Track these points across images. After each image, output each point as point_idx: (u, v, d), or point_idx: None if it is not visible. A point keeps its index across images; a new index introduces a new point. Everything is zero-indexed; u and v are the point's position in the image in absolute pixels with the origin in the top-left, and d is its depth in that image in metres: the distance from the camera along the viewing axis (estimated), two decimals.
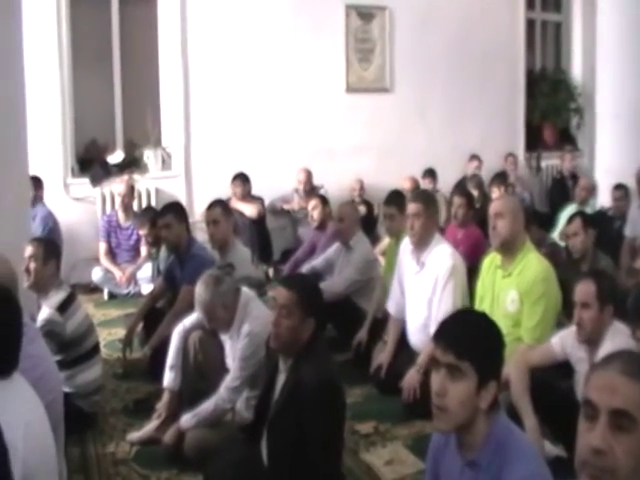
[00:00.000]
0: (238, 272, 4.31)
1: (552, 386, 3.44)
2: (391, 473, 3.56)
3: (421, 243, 4.34)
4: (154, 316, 5.03)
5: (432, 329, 4.04)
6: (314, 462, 2.72)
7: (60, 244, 5.52)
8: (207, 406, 3.60)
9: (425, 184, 8.25)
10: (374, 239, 6.81)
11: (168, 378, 3.94)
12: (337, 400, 2.84)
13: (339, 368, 3.19)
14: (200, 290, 3.71)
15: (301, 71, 8.33)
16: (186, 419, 3.62)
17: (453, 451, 2.12)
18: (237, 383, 3.61)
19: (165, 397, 3.94)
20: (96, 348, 4.23)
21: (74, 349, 3.99)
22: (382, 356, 4.49)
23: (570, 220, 5.17)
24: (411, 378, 4.10)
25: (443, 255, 4.27)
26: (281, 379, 2.91)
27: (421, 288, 4.33)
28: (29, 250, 4.02)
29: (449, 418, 2.01)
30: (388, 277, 4.99)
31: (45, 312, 3.92)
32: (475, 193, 7.25)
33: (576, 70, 10.46)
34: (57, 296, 4.00)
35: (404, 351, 4.44)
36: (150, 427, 3.90)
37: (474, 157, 8.96)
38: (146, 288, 6.51)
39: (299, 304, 2.86)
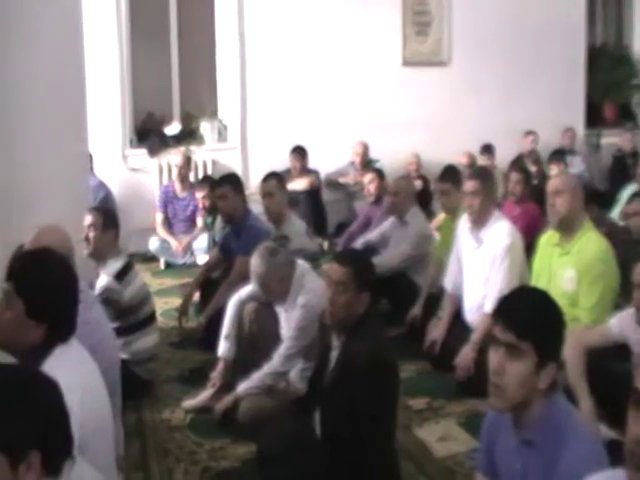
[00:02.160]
0: (293, 244, 4.33)
1: (609, 368, 3.36)
2: (444, 450, 3.54)
3: (479, 220, 4.28)
4: (209, 286, 5.09)
5: (487, 306, 3.99)
6: (365, 437, 2.71)
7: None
8: (261, 373, 3.64)
9: (482, 160, 8.11)
10: (429, 214, 6.73)
11: (223, 348, 3.98)
12: (389, 376, 2.82)
13: (392, 343, 3.18)
14: (255, 262, 3.72)
15: (357, 44, 8.23)
16: (240, 389, 3.66)
17: (508, 430, 2.09)
18: (291, 352, 3.63)
19: (219, 366, 3.99)
20: (152, 316, 4.30)
21: (131, 316, 4.06)
22: (436, 332, 4.45)
23: (630, 199, 5.04)
24: (465, 355, 4.06)
25: (502, 232, 4.20)
26: (334, 355, 2.91)
27: (479, 265, 4.27)
28: (88, 219, 4.11)
29: (506, 397, 1.97)
30: (443, 253, 4.93)
31: (103, 280, 3.99)
32: (533, 169, 7.11)
33: (638, 46, 10.10)
34: (115, 264, 4.07)
35: (459, 328, 4.39)
36: (204, 395, 3.95)
37: (530, 132, 8.76)
38: (202, 258, 6.58)
39: (353, 279, 2.84)
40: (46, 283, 2.29)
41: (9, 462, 1.64)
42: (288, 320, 3.74)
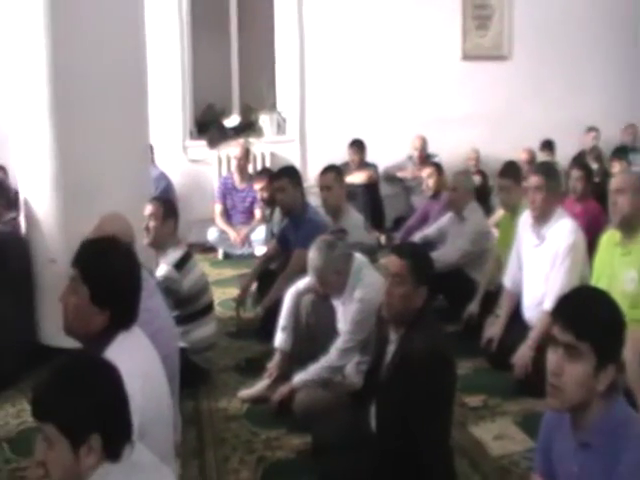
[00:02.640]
0: (350, 238, 4.33)
1: None
2: (499, 449, 3.50)
3: (542, 217, 4.20)
4: (267, 277, 5.13)
5: (546, 304, 3.93)
6: (421, 432, 2.70)
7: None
8: (318, 366, 3.65)
9: (542, 156, 7.96)
10: (488, 210, 6.65)
11: (280, 339, 4.01)
12: (446, 372, 2.81)
13: (449, 339, 3.15)
14: (313, 255, 3.73)
15: (417, 38, 8.19)
16: (297, 379, 3.68)
17: (567, 431, 2.05)
18: (347, 345, 3.63)
19: (276, 357, 4.02)
20: (211, 306, 4.36)
21: (190, 306, 4.12)
22: (494, 329, 4.39)
23: None
24: (523, 354, 4.00)
25: (565, 230, 4.12)
26: (391, 349, 2.91)
27: (540, 262, 4.19)
28: (149, 209, 4.17)
29: (564, 398, 1.94)
30: (502, 250, 4.86)
31: (163, 269, 4.06)
32: (594, 166, 6.95)
33: None
34: (174, 254, 4.13)
35: (517, 325, 4.32)
36: (261, 386, 3.99)
37: (592, 129, 8.57)
38: (259, 249, 6.64)
39: (411, 272, 2.84)
40: (110, 270, 2.34)
41: (71, 444, 1.70)
42: (345, 314, 3.74)
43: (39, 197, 4.49)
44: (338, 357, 3.64)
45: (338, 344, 3.65)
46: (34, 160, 4.46)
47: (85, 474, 1.73)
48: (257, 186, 6.49)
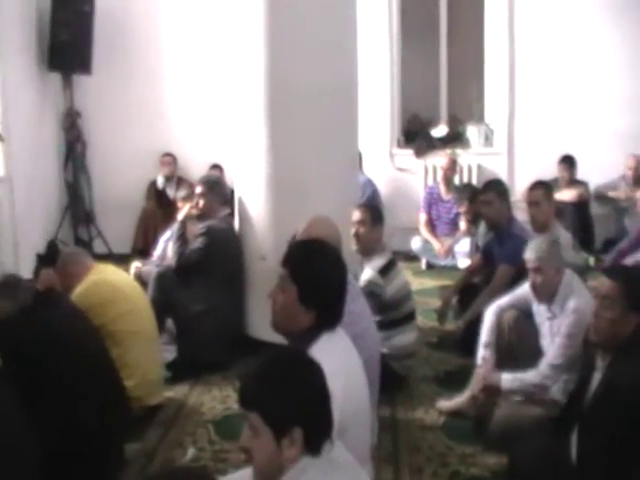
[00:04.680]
0: None
1: None
2: None
3: None
4: (470, 291, 5.04)
5: None
6: (626, 469, 2.51)
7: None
8: (529, 377, 3.50)
9: None
10: None
11: (482, 355, 3.88)
12: None
13: None
14: (542, 242, 3.67)
15: (636, 51, 7.54)
16: (506, 379, 3.54)
17: None
18: (559, 361, 3.46)
19: (477, 373, 3.89)
20: (412, 314, 4.34)
21: (392, 312, 4.13)
22: None
23: None
24: None
25: None
26: (597, 377, 2.75)
27: None
28: (357, 215, 4.25)
29: None
30: None
31: (367, 274, 4.11)
32: None
33: None
34: (380, 260, 4.17)
35: None
36: (460, 399, 3.90)
37: None
38: (463, 262, 6.55)
39: (622, 296, 2.68)
40: (319, 272, 2.40)
41: (274, 435, 1.75)
42: (553, 328, 3.58)
43: (253, 196, 4.75)
44: (548, 372, 3.47)
45: (549, 359, 3.49)
46: (250, 161, 4.73)
47: (285, 465, 1.77)
48: (460, 209, 6.43)
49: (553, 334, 3.57)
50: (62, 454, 2.92)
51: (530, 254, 3.63)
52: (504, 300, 3.96)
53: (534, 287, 3.65)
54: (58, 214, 7.50)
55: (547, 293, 3.61)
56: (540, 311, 3.73)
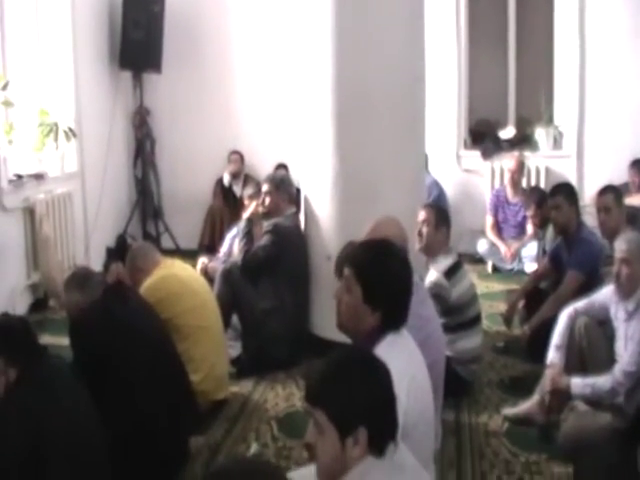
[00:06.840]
0: None
1: None
2: None
3: None
4: (536, 296, 4.94)
5: None
6: None
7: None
8: (603, 382, 3.38)
9: None
10: None
11: (552, 356, 3.76)
12: None
13: None
14: (632, 233, 3.60)
15: None
16: (576, 383, 3.44)
17: None
18: (633, 369, 3.35)
19: (546, 376, 3.80)
20: (478, 318, 4.29)
21: (457, 315, 4.09)
22: None
23: None
24: None
25: None
26: None
27: None
28: (422, 215, 4.23)
29: None
30: None
31: (433, 275, 4.08)
32: None
33: None
34: (445, 262, 4.14)
35: None
36: (526, 406, 3.80)
37: None
38: (529, 266, 6.44)
39: None
40: (385, 272, 2.37)
41: (338, 434, 1.74)
42: (628, 330, 3.48)
43: (319, 196, 4.76)
44: (623, 379, 3.35)
45: (624, 365, 3.38)
46: (316, 161, 4.75)
47: (349, 465, 1.76)
48: (527, 213, 6.30)
49: (627, 338, 3.47)
50: (129, 446, 2.97)
51: (621, 244, 3.53)
52: (580, 304, 3.85)
53: (618, 277, 3.55)
54: (127, 209, 7.67)
55: (629, 286, 3.50)
56: (617, 313, 3.62)
